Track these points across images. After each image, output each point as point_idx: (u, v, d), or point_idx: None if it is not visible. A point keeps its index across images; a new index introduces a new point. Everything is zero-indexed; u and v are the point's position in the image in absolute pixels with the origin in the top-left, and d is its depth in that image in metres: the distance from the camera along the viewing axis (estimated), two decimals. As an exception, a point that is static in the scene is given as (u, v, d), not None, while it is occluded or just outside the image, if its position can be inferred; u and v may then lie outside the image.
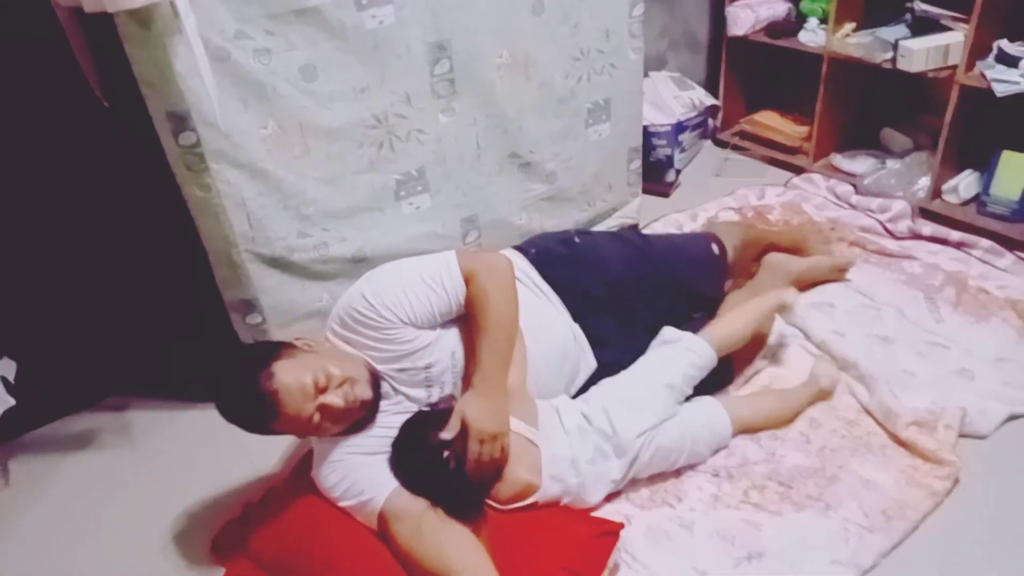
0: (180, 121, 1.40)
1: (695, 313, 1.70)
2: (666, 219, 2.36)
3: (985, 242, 2.04)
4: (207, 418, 1.48)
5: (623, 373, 1.53)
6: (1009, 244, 2.03)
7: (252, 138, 1.47)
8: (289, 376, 1.21)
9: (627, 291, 1.60)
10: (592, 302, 1.57)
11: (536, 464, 1.36)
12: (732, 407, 1.55)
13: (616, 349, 1.58)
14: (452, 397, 1.43)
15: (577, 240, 1.63)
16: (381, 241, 1.72)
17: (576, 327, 1.55)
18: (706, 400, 1.55)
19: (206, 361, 1.36)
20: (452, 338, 1.39)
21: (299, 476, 1.52)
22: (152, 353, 1.89)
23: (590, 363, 1.57)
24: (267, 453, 1.66)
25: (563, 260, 1.59)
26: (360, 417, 1.32)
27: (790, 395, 1.62)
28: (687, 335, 1.57)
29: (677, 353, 1.54)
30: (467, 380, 1.37)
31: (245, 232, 1.55)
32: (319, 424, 1.25)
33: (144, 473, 1.71)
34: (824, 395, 1.63)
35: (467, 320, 1.39)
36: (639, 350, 1.59)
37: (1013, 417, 1.57)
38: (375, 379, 1.33)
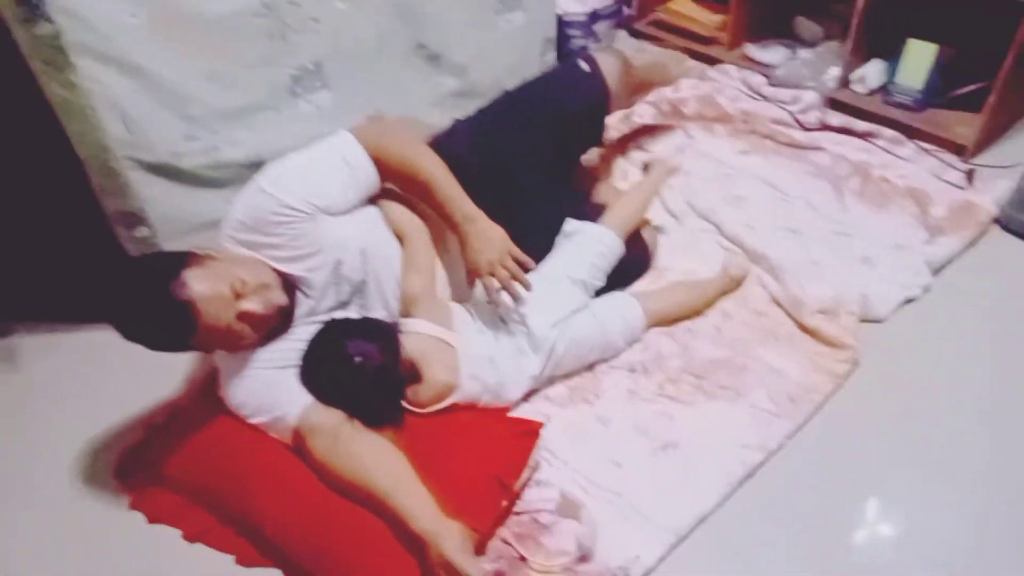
0: (32, 7, 1.21)
1: (584, 147, 1.66)
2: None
3: (889, 132, 2.07)
4: (98, 340, 1.39)
5: (530, 274, 1.49)
6: (911, 133, 2.06)
7: (121, 28, 1.31)
8: (204, 284, 1.15)
9: (505, 146, 1.53)
10: (481, 180, 1.47)
11: (453, 365, 1.35)
12: (644, 299, 1.56)
13: (525, 230, 1.49)
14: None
15: (457, 124, 1.58)
16: (279, 144, 1.58)
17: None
18: (616, 294, 1.56)
19: (96, 278, 1.26)
20: (360, 234, 1.34)
21: (206, 395, 1.46)
22: (31, 273, 1.75)
23: None
24: (167, 374, 1.58)
25: (448, 147, 1.50)
26: (276, 325, 1.27)
27: (701, 286, 1.64)
28: (587, 225, 1.55)
29: (579, 246, 1.53)
30: (454, 231, 1.37)
31: (122, 136, 1.42)
32: (239, 334, 1.20)
33: (35, 402, 1.61)
34: (734, 284, 1.66)
35: (370, 208, 1.37)
36: (549, 222, 1.56)
37: (908, 300, 1.65)
38: (287, 284, 1.28)
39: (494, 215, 1.39)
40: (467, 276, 1.42)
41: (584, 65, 1.64)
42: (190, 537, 1.32)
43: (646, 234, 1.73)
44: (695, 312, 1.62)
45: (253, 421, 1.31)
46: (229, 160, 1.57)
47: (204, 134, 1.52)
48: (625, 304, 1.54)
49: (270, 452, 1.30)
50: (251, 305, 1.19)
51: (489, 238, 1.35)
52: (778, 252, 1.71)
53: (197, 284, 1.15)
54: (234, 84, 1.52)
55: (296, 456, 1.28)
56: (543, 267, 1.51)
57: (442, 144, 1.49)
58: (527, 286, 1.36)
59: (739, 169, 2.05)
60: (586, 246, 1.53)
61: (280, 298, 1.25)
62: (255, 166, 1.55)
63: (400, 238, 1.40)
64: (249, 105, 1.56)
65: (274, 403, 1.29)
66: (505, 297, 1.37)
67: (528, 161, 1.55)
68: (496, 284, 1.35)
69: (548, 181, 1.59)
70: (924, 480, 1.32)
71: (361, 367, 1.27)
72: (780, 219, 1.84)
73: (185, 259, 1.20)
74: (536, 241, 1.49)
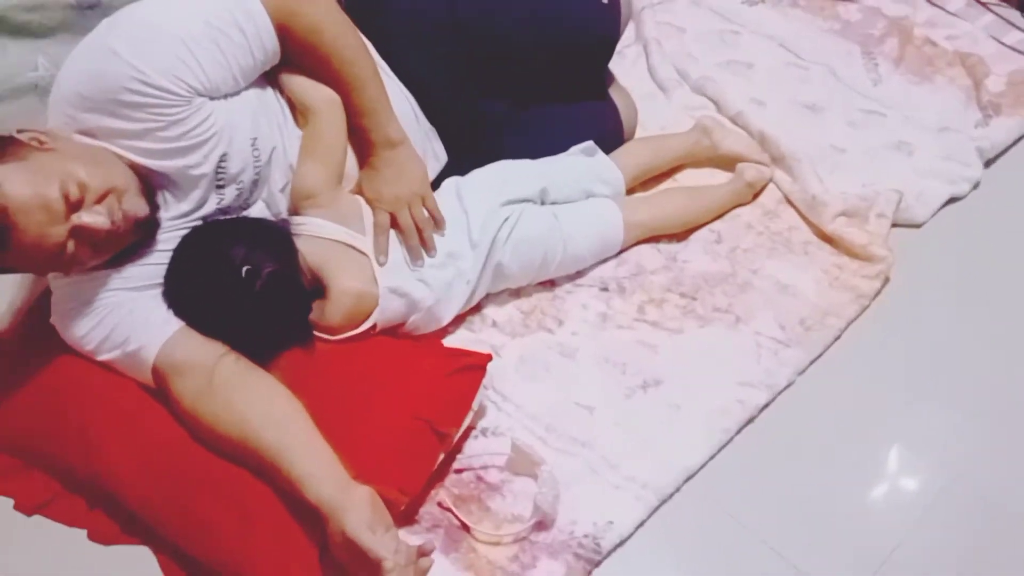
0: None
1: (583, 86, 1.67)
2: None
3: (937, -23, 2.07)
4: None
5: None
6: (964, -19, 2.07)
7: None
8: (24, 187, 1.08)
9: (477, 47, 1.50)
10: (430, 67, 1.49)
11: (368, 274, 1.35)
12: (628, 206, 1.56)
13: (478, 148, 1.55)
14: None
15: None
16: None
17: (414, 101, 1.50)
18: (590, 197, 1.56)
19: None
20: (249, 117, 1.30)
21: (34, 326, 1.40)
22: None
23: (438, 154, 1.54)
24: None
25: (387, 5, 1.50)
26: (130, 244, 1.23)
27: (706, 193, 1.63)
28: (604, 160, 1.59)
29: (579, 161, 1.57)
30: (365, 151, 1.40)
31: None
32: (72, 255, 1.14)
33: None
34: (750, 193, 1.66)
35: (267, 86, 1.34)
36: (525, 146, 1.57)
37: (953, 199, 1.68)
38: (148, 187, 1.23)
39: (452, 124, 1.46)
40: (363, 197, 1.43)
41: None
42: (26, 508, 1.29)
43: (619, 98, 1.71)
44: (694, 227, 1.62)
45: (101, 358, 1.27)
46: (51, -2, 1.46)
47: (13, -42, 1.40)
48: (600, 208, 1.54)
49: (124, 398, 1.27)
50: (92, 218, 1.12)
51: (407, 172, 1.38)
52: (792, 136, 1.72)
53: (13, 185, 1.08)
54: None
55: (159, 402, 1.26)
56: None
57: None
58: (428, 247, 1.39)
59: (745, 25, 2.03)
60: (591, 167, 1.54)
61: (137, 207, 1.19)
62: (90, 8, 1.48)
63: (303, 115, 1.37)
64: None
65: (128, 333, 1.25)
66: (394, 246, 1.39)
67: (517, 62, 1.54)
68: (388, 224, 1.37)
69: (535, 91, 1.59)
70: (962, 425, 1.36)
71: (250, 276, 1.24)
72: (795, 92, 1.86)
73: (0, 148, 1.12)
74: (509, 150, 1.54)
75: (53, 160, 1.13)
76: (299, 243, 1.31)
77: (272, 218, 1.38)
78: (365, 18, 1.43)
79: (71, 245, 1.13)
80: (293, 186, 1.37)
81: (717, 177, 1.70)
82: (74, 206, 1.11)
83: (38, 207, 1.09)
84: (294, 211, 1.38)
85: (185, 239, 1.28)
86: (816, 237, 1.60)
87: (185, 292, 1.27)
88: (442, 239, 1.41)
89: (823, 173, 1.65)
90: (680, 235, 1.61)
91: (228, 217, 1.33)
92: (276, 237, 1.31)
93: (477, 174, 1.51)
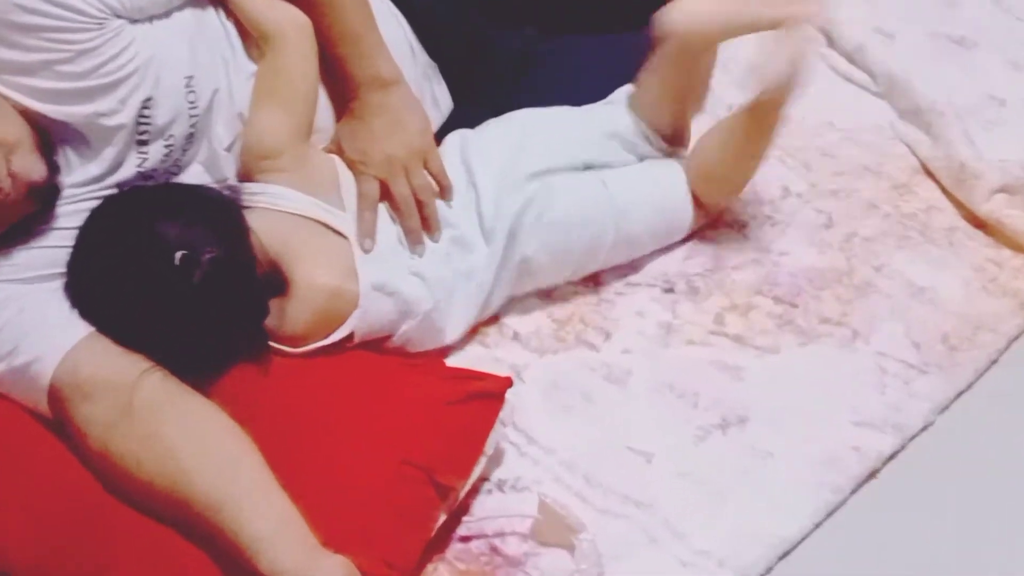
0: None
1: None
2: None
3: None
4: None
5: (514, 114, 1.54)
6: None
7: None
8: None
9: None
10: None
11: (346, 264, 1.35)
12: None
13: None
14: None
15: None
16: None
17: (411, 33, 1.53)
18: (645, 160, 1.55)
19: None
20: (184, 49, 1.31)
21: None
22: None
23: (439, 100, 1.56)
24: None
25: None
26: (23, 215, 1.23)
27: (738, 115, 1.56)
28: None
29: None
30: (346, 94, 1.42)
31: None
32: None
33: None
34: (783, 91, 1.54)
35: (208, 6, 1.36)
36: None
37: None
38: (45, 142, 1.23)
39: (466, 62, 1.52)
40: (342, 158, 1.44)
41: None
42: None
43: None
44: (758, 154, 1.55)
45: (-21, 373, 1.28)
46: None
47: None
48: (660, 173, 1.53)
49: (11, 430, 1.24)
50: None
51: (402, 123, 1.40)
52: (932, 82, 1.73)
53: None
54: None
55: (56, 437, 1.22)
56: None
57: None
58: (431, 228, 1.40)
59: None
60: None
61: (32, 168, 1.19)
62: None
63: (262, 42, 1.37)
64: None
65: (16, 341, 1.21)
66: (384, 226, 1.39)
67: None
68: (376, 195, 1.38)
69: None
70: None
71: (186, 264, 1.21)
72: (939, 21, 1.88)
73: None
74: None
75: None
76: (252, 219, 1.30)
77: (215, 185, 1.38)
78: None
79: None
80: (245, 141, 1.37)
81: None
82: None
83: None
84: (246, 176, 1.38)
85: (95, 212, 1.27)
86: (965, 221, 1.60)
87: (95, 285, 1.26)
88: (444, 222, 1.41)
89: (975, 133, 1.65)
90: (776, 206, 1.60)
91: (154, 184, 1.33)
92: (220, 210, 1.30)
93: (490, 129, 1.50)
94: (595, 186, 1.47)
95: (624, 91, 1.58)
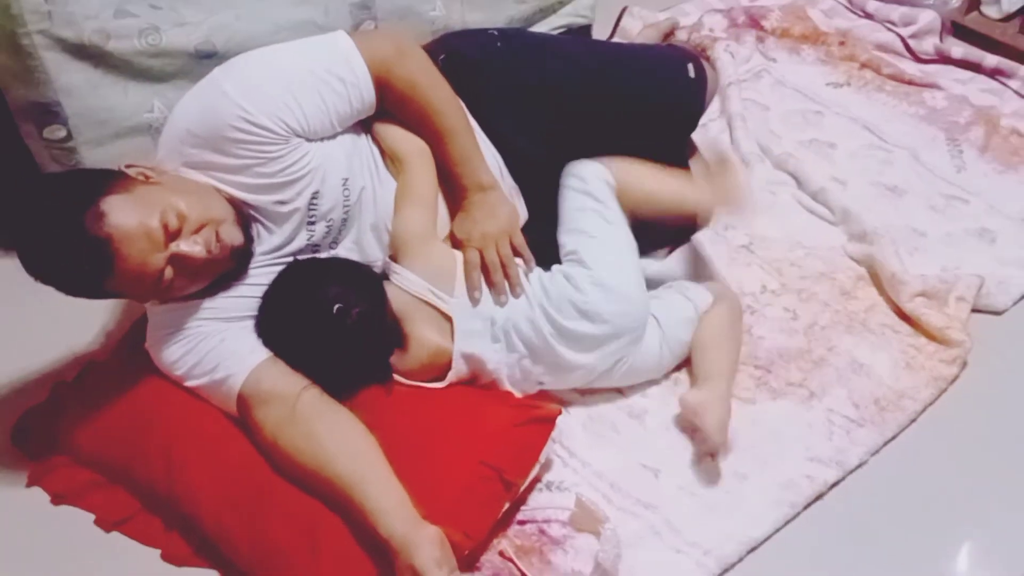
0: None
1: (664, 146, 1.65)
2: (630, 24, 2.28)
3: (1025, 70, 2.06)
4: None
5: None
6: (1055, 74, 2.06)
7: None
8: (128, 217, 1.14)
9: (564, 113, 1.55)
10: (519, 130, 1.53)
11: (446, 336, 1.37)
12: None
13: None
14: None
15: (500, 44, 1.58)
16: (238, 28, 1.59)
17: (501, 160, 1.52)
18: (685, 291, 1.52)
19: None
20: (342, 159, 1.35)
21: (129, 347, 1.47)
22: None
23: (520, 212, 1.55)
24: (84, 322, 1.59)
25: (483, 70, 1.55)
26: (225, 271, 1.28)
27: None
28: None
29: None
30: (457, 195, 1.43)
31: (36, 4, 1.41)
32: (171, 282, 1.20)
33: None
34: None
35: (361, 132, 1.40)
36: None
37: (1035, 288, 1.64)
38: (244, 219, 1.28)
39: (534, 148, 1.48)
40: (454, 242, 1.44)
41: (691, 69, 1.66)
42: (105, 524, 1.33)
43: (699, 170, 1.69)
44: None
45: (189, 384, 1.31)
46: (173, 46, 1.55)
47: (142, 9, 1.50)
48: (691, 303, 1.48)
49: (208, 424, 1.31)
50: (189, 246, 1.18)
51: (496, 212, 1.41)
52: (873, 216, 1.72)
53: (118, 215, 1.14)
54: (185, -54, 1.50)
55: (240, 430, 1.29)
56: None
57: (508, 68, 1.54)
58: (513, 282, 1.38)
59: (829, 106, 2.05)
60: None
61: (233, 237, 1.25)
62: (207, 58, 1.56)
63: (396, 163, 1.41)
64: (202, -26, 1.54)
65: (217, 361, 1.29)
66: (480, 281, 1.39)
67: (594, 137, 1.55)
68: (477, 261, 1.38)
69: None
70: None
71: (341, 314, 1.27)
72: (878, 174, 1.87)
73: (108, 180, 1.19)
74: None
75: (156, 192, 1.20)
76: (388, 289, 1.35)
77: (366, 262, 1.42)
78: (460, 79, 1.48)
79: (169, 272, 1.18)
80: (393, 231, 1.40)
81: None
82: (173, 235, 1.17)
83: (140, 235, 1.15)
84: (394, 256, 1.40)
85: (282, 273, 1.33)
86: (895, 317, 1.59)
87: (277, 323, 1.32)
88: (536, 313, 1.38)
89: (903, 254, 1.65)
90: (755, 306, 1.60)
91: (325, 256, 1.38)
92: (369, 281, 1.35)
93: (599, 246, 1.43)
94: (658, 340, 1.43)
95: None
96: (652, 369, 1.46)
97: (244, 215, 1.29)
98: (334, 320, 1.28)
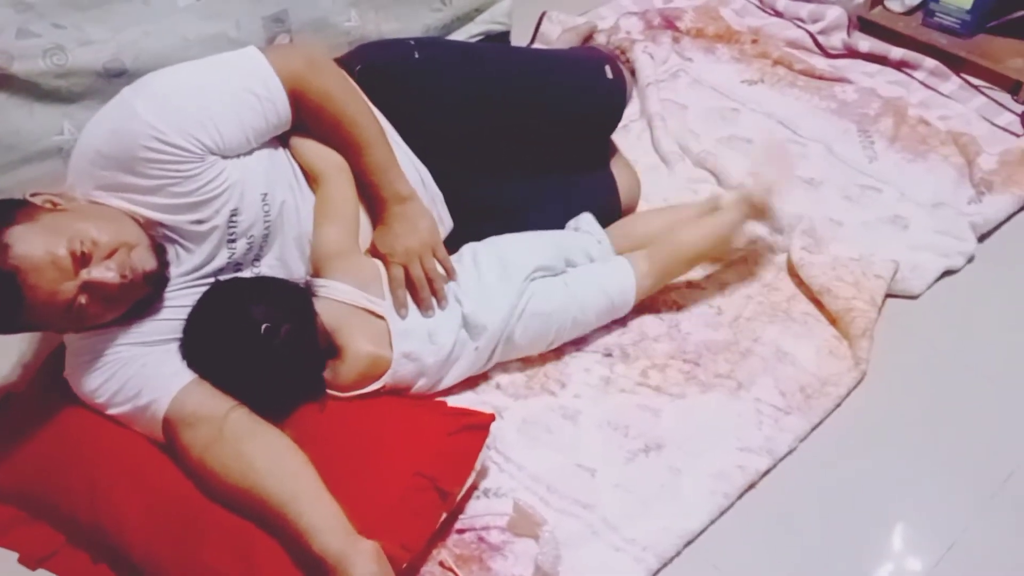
0: None
1: (584, 157, 1.71)
2: (549, 29, 2.29)
3: (930, 62, 2.13)
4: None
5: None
6: (956, 64, 2.13)
7: None
8: (34, 247, 1.12)
9: (485, 122, 1.56)
10: (439, 139, 1.54)
11: (384, 339, 1.37)
12: (637, 258, 1.55)
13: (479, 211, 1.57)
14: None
15: (417, 55, 1.57)
16: (146, 45, 1.56)
17: (424, 169, 1.53)
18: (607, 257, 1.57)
19: None
20: (260, 174, 1.34)
21: (48, 378, 1.43)
22: None
23: (443, 219, 1.56)
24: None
25: (399, 80, 1.54)
26: (142, 296, 1.25)
27: (709, 224, 1.58)
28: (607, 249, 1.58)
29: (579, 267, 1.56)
30: (377, 207, 1.43)
31: None
32: (85, 309, 1.17)
33: None
34: (757, 213, 1.60)
35: (278, 146, 1.39)
36: (514, 213, 1.59)
37: (949, 272, 1.70)
38: (157, 243, 1.26)
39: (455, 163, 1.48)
40: (376, 255, 1.45)
41: (608, 71, 1.69)
42: (30, 561, 1.30)
43: (621, 170, 1.74)
44: (703, 259, 1.62)
45: (111, 412, 1.29)
46: (80, 65, 1.51)
47: (44, 28, 1.46)
48: (612, 271, 1.53)
49: (133, 452, 1.28)
50: (102, 273, 1.15)
51: (416, 225, 1.42)
52: (791, 208, 1.74)
53: (24, 246, 1.12)
54: (88, -37, 1.47)
55: (166, 455, 1.27)
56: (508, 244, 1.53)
57: (425, 80, 1.54)
58: (439, 297, 1.41)
59: (744, 102, 2.09)
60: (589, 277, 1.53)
61: (146, 262, 1.22)
62: (117, 76, 1.54)
63: (314, 179, 1.40)
64: (107, -11, 1.51)
65: (140, 387, 1.27)
66: (413, 310, 1.41)
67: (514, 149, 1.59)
68: (402, 277, 1.39)
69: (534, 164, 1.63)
70: (965, 497, 1.36)
71: (269, 334, 1.26)
72: (793, 167, 1.88)
73: (11, 211, 1.16)
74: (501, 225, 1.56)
75: (63, 220, 1.17)
76: (318, 305, 1.34)
77: (291, 278, 1.41)
78: (378, 90, 1.49)
79: (82, 300, 1.16)
80: (313, 249, 1.40)
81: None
82: (83, 262, 1.15)
83: (48, 265, 1.12)
84: (315, 273, 1.40)
85: (205, 295, 1.31)
86: (815, 307, 1.62)
87: (203, 346, 1.29)
88: (458, 305, 1.42)
89: (821, 241, 1.69)
90: (680, 300, 1.64)
91: (250, 276, 1.36)
92: (295, 298, 1.34)
93: (493, 242, 1.52)
94: (561, 288, 1.47)
95: (584, 218, 1.61)
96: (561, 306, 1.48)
97: (158, 239, 1.27)
98: (263, 340, 1.26)
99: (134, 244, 1.21)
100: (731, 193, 1.63)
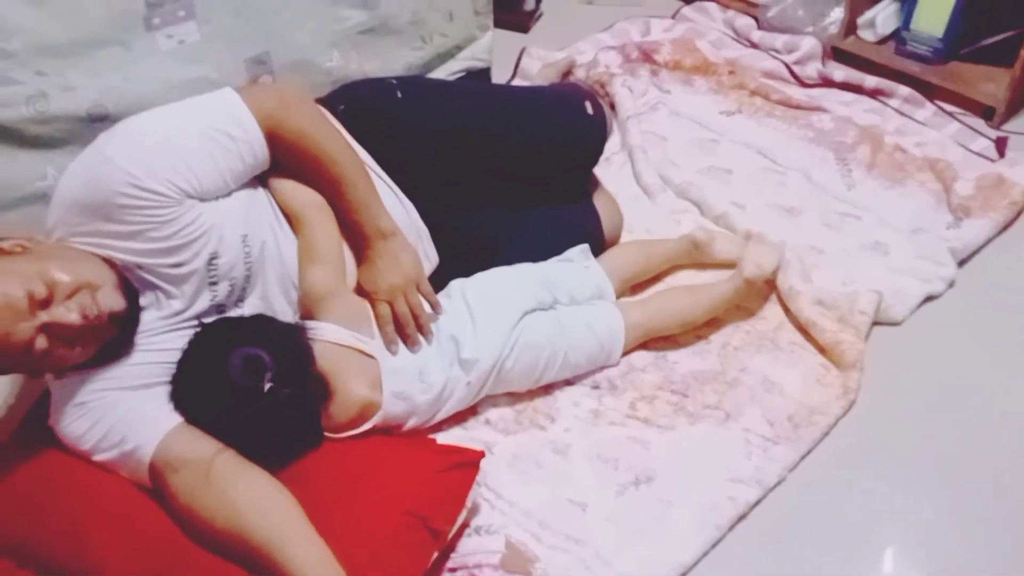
0: None
1: (566, 190, 1.72)
2: (529, 64, 2.32)
3: (904, 90, 2.16)
4: None
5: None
6: (929, 92, 2.16)
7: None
8: None
9: (469, 157, 1.58)
10: (424, 175, 1.55)
11: (375, 379, 1.37)
12: (628, 310, 1.57)
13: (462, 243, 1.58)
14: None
15: (400, 95, 1.59)
16: (128, 90, 1.56)
17: (410, 205, 1.53)
18: (596, 302, 1.58)
19: None
20: (239, 215, 1.33)
21: (32, 425, 1.41)
22: None
23: (429, 255, 1.56)
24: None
25: (383, 119, 1.55)
26: (111, 338, 1.23)
27: (703, 291, 1.63)
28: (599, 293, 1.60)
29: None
30: (360, 244, 1.44)
31: None
32: (48, 352, 1.15)
33: None
34: (747, 290, 1.62)
35: (258, 187, 1.39)
36: (496, 245, 1.61)
37: (930, 297, 1.71)
38: (125, 282, 1.25)
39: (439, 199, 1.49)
40: (361, 293, 1.45)
41: (589, 107, 1.70)
42: (15, 611, 1.27)
43: (604, 202, 1.76)
44: (692, 327, 1.62)
45: (97, 458, 1.27)
46: (62, 111, 1.51)
47: (27, 76, 1.46)
48: (602, 316, 1.54)
49: (120, 497, 1.26)
50: (61, 314, 1.14)
51: (399, 261, 1.42)
52: (773, 236, 1.75)
53: None
54: (69, 9, 1.47)
55: (152, 500, 1.26)
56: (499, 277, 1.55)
57: (408, 118, 1.55)
58: (426, 332, 1.41)
59: (723, 133, 2.12)
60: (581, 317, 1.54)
61: (112, 302, 1.20)
62: (98, 120, 1.53)
63: (294, 221, 1.40)
64: (87, 38, 1.50)
65: (125, 432, 1.25)
66: (395, 336, 1.41)
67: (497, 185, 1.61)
68: (389, 314, 1.40)
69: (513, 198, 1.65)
70: (957, 522, 1.36)
71: (271, 394, 1.25)
72: (774, 196, 1.92)
73: None
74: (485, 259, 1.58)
75: (22, 262, 1.16)
76: (314, 348, 1.34)
77: (283, 318, 1.40)
78: (361, 129, 1.50)
79: (41, 341, 1.14)
80: (301, 292, 1.39)
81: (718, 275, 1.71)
82: (42, 304, 1.13)
83: (1, 307, 1.10)
84: (306, 315, 1.40)
85: (199, 336, 1.30)
86: (802, 336, 1.62)
87: (197, 391, 1.28)
88: (450, 344, 1.42)
89: (807, 269, 1.70)
90: (671, 337, 1.63)
91: (238, 317, 1.35)
92: (295, 346, 1.33)
93: (482, 278, 1.53)
94: (554, 324, 1.48)
95: (576, 250, 1.62)
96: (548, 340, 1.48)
97: (128, 280, 1.26)
98: (264, 399, 1.26)
99: (98, 284, 1.20)
100: (736, 274, 1.62)
